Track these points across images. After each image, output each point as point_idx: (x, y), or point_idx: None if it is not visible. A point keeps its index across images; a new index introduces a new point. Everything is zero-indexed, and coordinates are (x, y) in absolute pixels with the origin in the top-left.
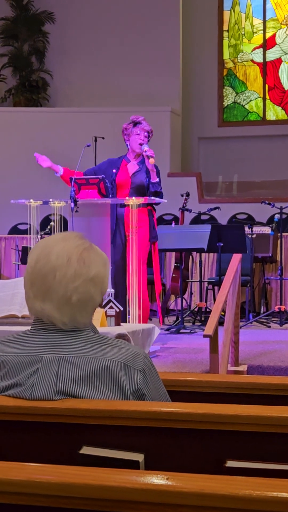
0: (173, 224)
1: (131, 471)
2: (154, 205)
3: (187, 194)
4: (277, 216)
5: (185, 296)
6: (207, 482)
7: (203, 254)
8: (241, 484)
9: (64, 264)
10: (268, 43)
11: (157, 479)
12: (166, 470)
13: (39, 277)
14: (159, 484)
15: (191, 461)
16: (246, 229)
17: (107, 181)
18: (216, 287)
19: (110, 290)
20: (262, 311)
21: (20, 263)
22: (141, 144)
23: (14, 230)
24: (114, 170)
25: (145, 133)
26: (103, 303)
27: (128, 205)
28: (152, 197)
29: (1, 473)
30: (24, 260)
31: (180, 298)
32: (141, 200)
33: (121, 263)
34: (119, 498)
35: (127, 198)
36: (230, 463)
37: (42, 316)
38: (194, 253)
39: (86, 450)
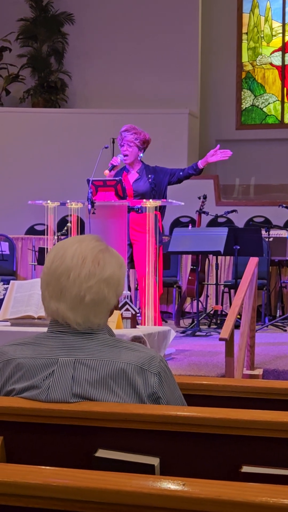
0: (190, 226)
1: (148, 476)
2: (161, 211)
3: (204, 197)
4: None
5: (201, 298)
6: (224, 488)
7: (219, 257)
8: (258, 491)
9: (79, 264)
10: (287, 46)
11: (174, 485)
12: (181, 474)
13: (54, 278)
14: (175, 490)
15: (207, 466)
16: (263, 232)
17: (124, 183)
18: (232, 290)
19: (126, 292)
20: (278, 315)
21: (36, 263)
22: (125, 156)
23: (31, 231)
24: None
25: (129, 143)
26: (119, 305)
27: (134, 210)
28: (169, 200)
29: (18, 476)
30: (40, 261)
31: (196, 301)
32: (158, 203)
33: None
34: (135, 503)
35: (144, 200)
36: (246, 468)
37: (57, 316)
38: (210, 256)
39: (101, 453)
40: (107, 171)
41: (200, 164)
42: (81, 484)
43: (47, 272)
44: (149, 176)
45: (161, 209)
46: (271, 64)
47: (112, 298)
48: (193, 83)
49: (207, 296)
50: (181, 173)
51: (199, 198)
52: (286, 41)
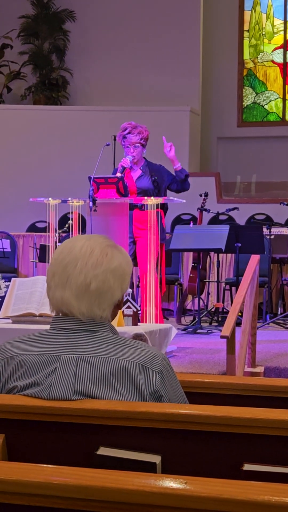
0: (191, 224)
1: (149, 474)
2: (164, 208)
3: (206, 194)
4: None
5: (203, 296)
6: (225, 487)
7: (220, 255)
8: (260, 489)
9: (87, 255)
10: None
11: (175, 483)
12: (183, 471)
13: (60, 267)
14: (177, 488)
15: (208, 463)
16: (264, 229)
17: (125, 180)
18: (233, 288)
19: (128, 290)
20: (279, 312)
21: (37, 261)
22: (133, 157)
23: (32, 228)
24: None
25: (135, 145)
26: None
27: (137, 207)
28: (170, 197)
29: (20, 474)
30: (41, 258)
31: (197, 298)
32: (160, 200)
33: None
34: (137, 501)
35: (145, 198)
36: (248, 467)
37: (62, 305)
38: (212, 253)
39: (103, 451)
40: (119, 174)
41: (174, 166)
42: (82, 482)
43: (54, 263)
44: (153, 174)
45: (164, 207)
46: (272, 61)
47: (117, 291)
48: (195, 81)
49: (208, 293)
50: (176, 184)
51: (201, 195)
52: (287, 38)
